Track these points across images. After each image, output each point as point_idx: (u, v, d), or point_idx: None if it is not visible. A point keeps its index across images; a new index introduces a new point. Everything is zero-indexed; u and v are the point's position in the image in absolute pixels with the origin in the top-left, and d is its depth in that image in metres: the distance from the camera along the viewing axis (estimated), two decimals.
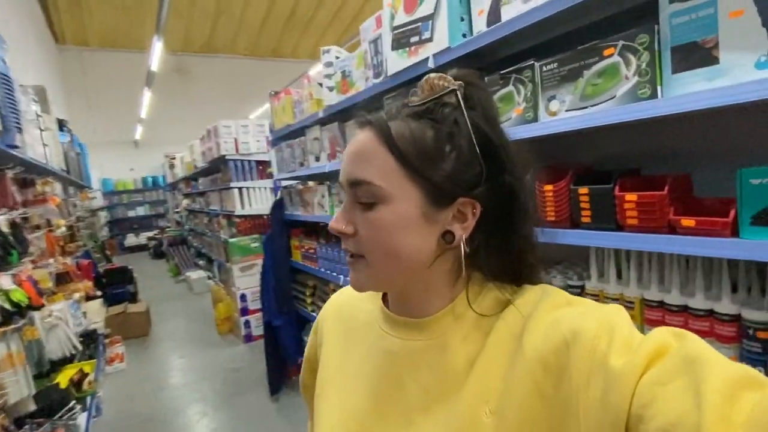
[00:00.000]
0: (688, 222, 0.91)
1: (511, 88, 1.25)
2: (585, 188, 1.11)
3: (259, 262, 3.53)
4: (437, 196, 0.48)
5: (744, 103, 0.77)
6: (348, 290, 0.67)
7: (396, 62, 1.60)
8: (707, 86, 0.84)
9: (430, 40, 1.45)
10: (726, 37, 0.82)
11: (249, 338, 4.28)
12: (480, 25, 1.30)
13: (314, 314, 2.76)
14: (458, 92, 0.48)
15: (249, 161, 4.47)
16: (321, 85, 2.20)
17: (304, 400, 0.72)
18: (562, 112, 1.13)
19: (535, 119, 1.20)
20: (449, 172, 0.48)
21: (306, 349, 0.70)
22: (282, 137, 2.94)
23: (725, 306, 0.94)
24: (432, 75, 0.50)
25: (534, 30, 1.17)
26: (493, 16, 1.27)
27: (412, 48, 1.53)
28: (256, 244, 4.37)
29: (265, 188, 4.49)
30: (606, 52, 1.01)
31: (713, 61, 0.84)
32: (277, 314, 3.01)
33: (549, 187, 1.19)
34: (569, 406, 0.41)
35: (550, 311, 0.46)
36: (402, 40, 1.56)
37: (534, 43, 1.32)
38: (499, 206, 0.50)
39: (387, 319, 0.57)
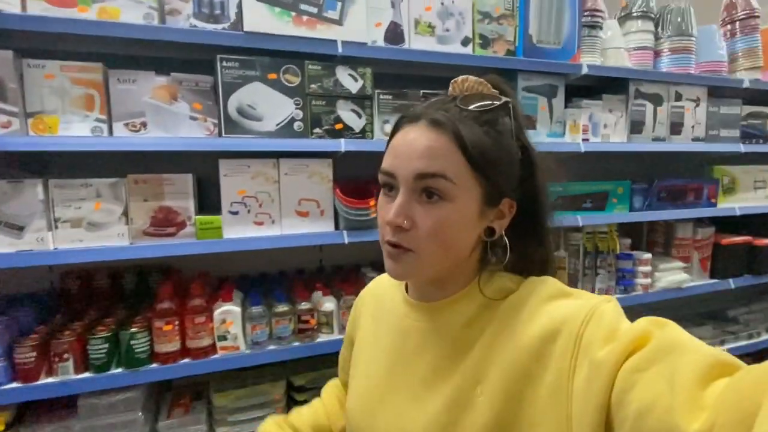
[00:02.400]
0: None
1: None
2: None
3: None
4: (491, 196, 0.53)
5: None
6: (383, 278, 0.73)
7: (265, 21, 1.19)
8: None
9: (338, 23, 1.25)
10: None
11: None
12: (377, 36, 1.34)
13: None
14: (510, 105, 0.54)
15: None
16: None
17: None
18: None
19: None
20: (503, 175, 0.53)
21: (347, 326, 0.78)
22: None
23: None
24: (472, 78, 0.55)
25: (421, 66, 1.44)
26: (391, 35, 1.37)
27: (303, 18, 1.22)
28: None
29: None
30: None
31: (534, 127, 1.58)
32: None
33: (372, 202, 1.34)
34: (557, 392, 0.43)
35: (545, 301, 0.50)
36: None
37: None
38: (525, 206, 0.56)
39: (406, 303, 0.62)
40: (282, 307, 1.32)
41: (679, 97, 1.79)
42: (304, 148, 1.27)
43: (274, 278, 1.57)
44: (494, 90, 0.55)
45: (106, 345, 1.15)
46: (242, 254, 1.29)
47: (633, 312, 0.45)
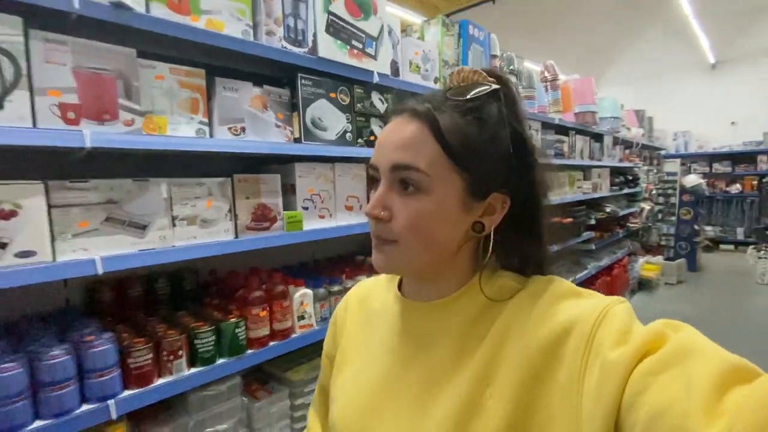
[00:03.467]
0: None
1: None
2: None
3: None
4: (475, 189, 0.50)
5: None
6: (366, 282, 0.71)
7: (331, 50, 1.46)
8: None
9: (374, 57, 1.61)
10: None
11: None
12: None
13: None
14: (501, 93, 0.52)
15: None
16: None
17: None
18: None
19: None
20: (489, 167, 0.50)
21: (324, 344, 0.71)
22: None
23: None
24: (467, 68, 0.53)
25: None
26: (392, 70, 1.81)
27: (354, 51, 1.54)
28: None
29: None
30: None
31: None
32: None
33: None
34: (568, 393, 0.42)
35: (554, 301, 0.48)
36: (342, 33, 1.49)
37: None
38: (522, 201, 0.53)
39: (402, 304, 0.59)
40: (336, 287, 1.57)
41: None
42: (353, 155, 1.58)
43: (312, 265, 1.80)
44: (491, 78, 0.53)
45: (213, 337, 1.21)
46: (284, 247, 1.51)
47: None
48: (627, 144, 4.79)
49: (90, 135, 0.94)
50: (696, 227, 6.02)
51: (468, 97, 0.50)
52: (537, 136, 2.83)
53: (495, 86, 0.51)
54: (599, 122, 3.67)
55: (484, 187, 0.51)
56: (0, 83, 0.85)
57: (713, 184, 7.71)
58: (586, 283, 3.73)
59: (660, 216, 6.39)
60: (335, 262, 1.87)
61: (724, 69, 7.64)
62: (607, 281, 4.16)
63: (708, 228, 7.43)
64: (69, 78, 0.95)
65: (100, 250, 1.00)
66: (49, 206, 0.94)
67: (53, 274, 0.93)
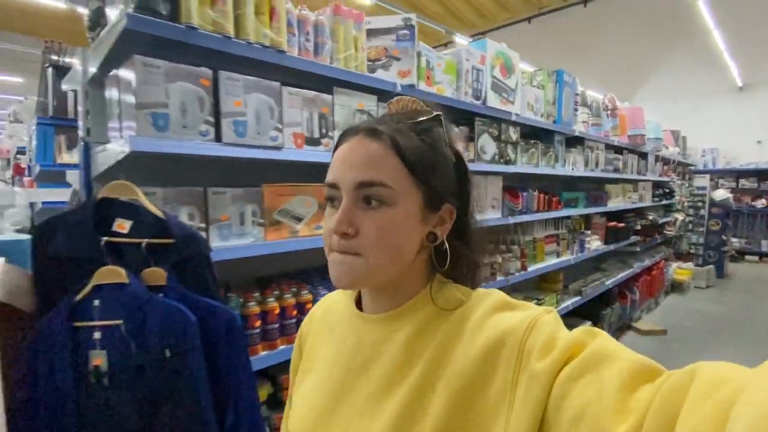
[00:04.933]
0: None
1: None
2: None
3: None
4: (432, 201, 0.55)
5: None
6: (331, 295, 0.73)
7: (493, 100, 2.19)
8: None
9: (512, 103, 2.33)
10: None
11: None
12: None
13: None
14: (441, 117, 0.57)
15: None
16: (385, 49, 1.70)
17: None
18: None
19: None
20: (441, 181, 0.55)
21: (291, 365, 0.73)
22: None
23: None
24: (405, 97, 0.60)
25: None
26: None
27: (503, 99, 2.26)
28: None
29: None
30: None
31: None
32: None
33: None
34: (501, 402, 0.45)
35: (490, 313, 0.51)
36: (498, 88, 2.22)
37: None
38: (462, 213, 0.58)
39: (358, 318, 0.61)
40: None
41: (594, 148, 3.46)
42: (497, 170, 2.29)
43: None
44: (426, 107, 0.59)
45: None
46: None
47: None
48: (665, 160, 5.42)
49: (311, 155, 1.47)
50: (723, 237, 6.59)
51: (419, 120, 0.56)
52: (602, 156, 3.51)
53: (437, 112, 0.57)
54: (646, 142, 4.34)
55: (437, 198, 0.55)
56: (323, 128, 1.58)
57: (739, 199, 8.24)
58: (632, 281, 4.38)
59: (690, 226, 6.96)
60: None
61: (752, 91, 8.20)
62: (648, 280, 4.79)
63: (734, 239, 7.95)
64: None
65: None
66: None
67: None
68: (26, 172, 2.76)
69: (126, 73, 1.13)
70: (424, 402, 0.49)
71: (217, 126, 1.22)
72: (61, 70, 2.69)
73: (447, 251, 0.56)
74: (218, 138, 1.23)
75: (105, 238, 0.97)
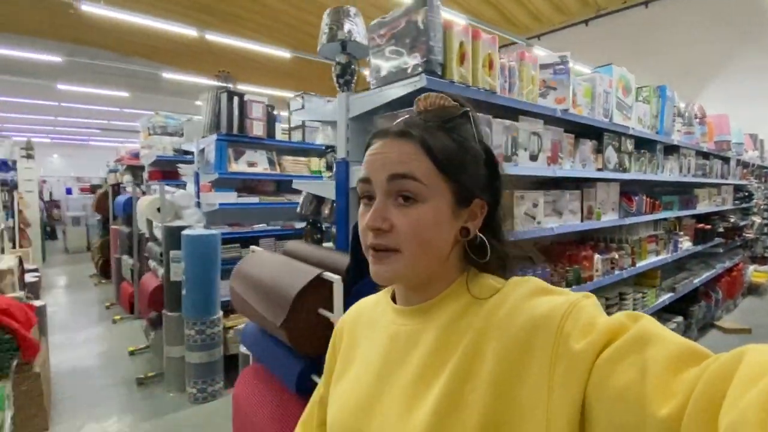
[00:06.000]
0: None
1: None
2: None
3: None
4: (461, 197, 0.57)
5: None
6: (361, 302, 0.75)
7: (617, 117, 2.55)
8: None
9: (630, 118, 2.67)
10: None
11: None
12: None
13: None
14: (470, 114, 0.58)
15: None
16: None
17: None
18: None
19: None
20: (471, 177, 0.57)
21: (324, 369, 0.75)
22: None
23: None
24: (433, 94, 0.60)
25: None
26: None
27: (623, 115, 2.61)
28: None
29: None
30: None
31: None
32: None
33: None
34: (540, 385, 0.45)
35: (527, 298, 0.52)
36: (620, 106, 2.57)
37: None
38: (493, 207, 0.60)
39: (393, 311, 0.63)
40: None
41: (686, 155, 3.71)
42: (617, 178, 2.63)
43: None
44: (454, 102, 0.59)
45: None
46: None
47: None
48: (744, 164, 5.50)
49: (507, 168, 2.04)
50: None
51: (447, 118, 0.57)
52: (692, 161, 3.75)
53: (465, 108, 0.58)
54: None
55: (467, 194, 0.57)
56: (513, 147, 1.99)
57: None
58: (713, 281, 4.55)
59: (766, 229, 6.90)
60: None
61: None
62: (728, 281, 4.92)
63: None
64: (547, 143, 2.08)
65: (551, 223, 2.14)
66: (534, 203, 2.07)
67: (541, 232, 2.06)
68: (195, 179, 3.34)
69: None
70: (465, 389, 0.49)
71: None
72: (232, 94, 3.27)
73: (483, 244, 0.58)
74: None
75: None
